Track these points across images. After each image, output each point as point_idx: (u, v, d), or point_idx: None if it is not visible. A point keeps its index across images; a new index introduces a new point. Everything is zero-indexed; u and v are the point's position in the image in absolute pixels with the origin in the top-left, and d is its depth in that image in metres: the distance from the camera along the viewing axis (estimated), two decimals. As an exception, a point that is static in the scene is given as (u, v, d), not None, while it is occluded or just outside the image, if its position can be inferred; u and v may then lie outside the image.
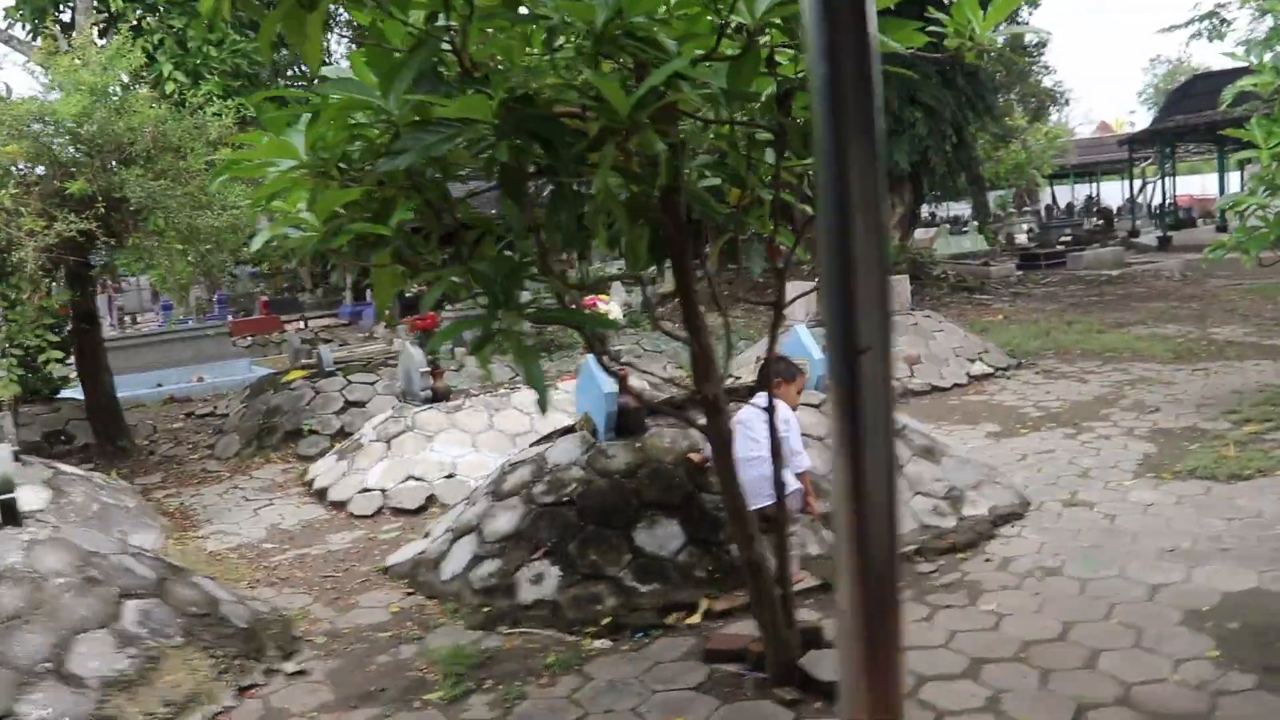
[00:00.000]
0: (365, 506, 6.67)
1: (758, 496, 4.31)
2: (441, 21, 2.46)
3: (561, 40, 2.71)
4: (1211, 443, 6.43)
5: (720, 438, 3.49)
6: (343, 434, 8.48)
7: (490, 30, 2.67)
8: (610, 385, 5.35)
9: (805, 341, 5.97)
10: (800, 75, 2.93)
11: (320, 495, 7.06)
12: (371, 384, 9.36)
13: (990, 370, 9.58)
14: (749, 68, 2.78)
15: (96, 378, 8.83)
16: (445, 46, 2.48)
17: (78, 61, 7.52)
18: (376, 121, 2.76)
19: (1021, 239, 27.15)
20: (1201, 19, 19.73)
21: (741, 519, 3.54)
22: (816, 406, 5.70)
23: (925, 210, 38.73)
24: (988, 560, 4.85)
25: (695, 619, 4.43)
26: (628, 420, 5.42)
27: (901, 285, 10.58)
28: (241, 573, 5.56)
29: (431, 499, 6.70)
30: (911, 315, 10.19)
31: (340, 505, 6.81)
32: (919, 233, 29.78)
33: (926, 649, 3.92)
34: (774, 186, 3.36)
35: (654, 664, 4.03)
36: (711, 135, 3.42)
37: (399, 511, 6.62)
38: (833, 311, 1.17)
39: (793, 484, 4.43)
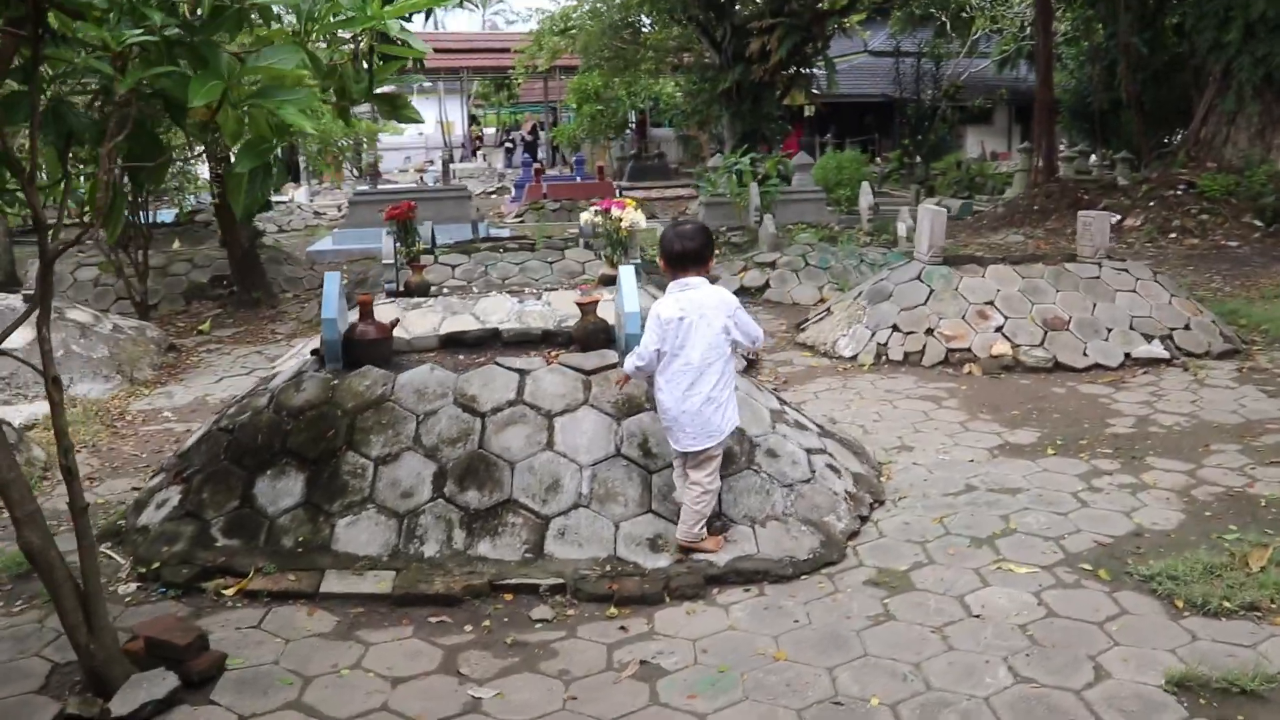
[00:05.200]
0: (280, 391, 6.63)
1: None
2: None
3: None
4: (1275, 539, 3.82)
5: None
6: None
7: None
8: (331, 310, 4.59)
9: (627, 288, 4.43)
10: None
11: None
12: (519, 264, 9.00)
13: (1168, 355, 6.67)
14: None
15: (235, 230, 9.77)
16: None
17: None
18: None
19: None
20: None
21: (8, 494, 2.77)
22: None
23: None
24: (621, 629, 3.39)
25: (230, 591, 3.72)
26: (360, 352, 4.63)
27: (1100, 221, 7.70)
28: (84, 436, 5.81)
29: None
30: (1099, 266, 7.40)
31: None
32: None
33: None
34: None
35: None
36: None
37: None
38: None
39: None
